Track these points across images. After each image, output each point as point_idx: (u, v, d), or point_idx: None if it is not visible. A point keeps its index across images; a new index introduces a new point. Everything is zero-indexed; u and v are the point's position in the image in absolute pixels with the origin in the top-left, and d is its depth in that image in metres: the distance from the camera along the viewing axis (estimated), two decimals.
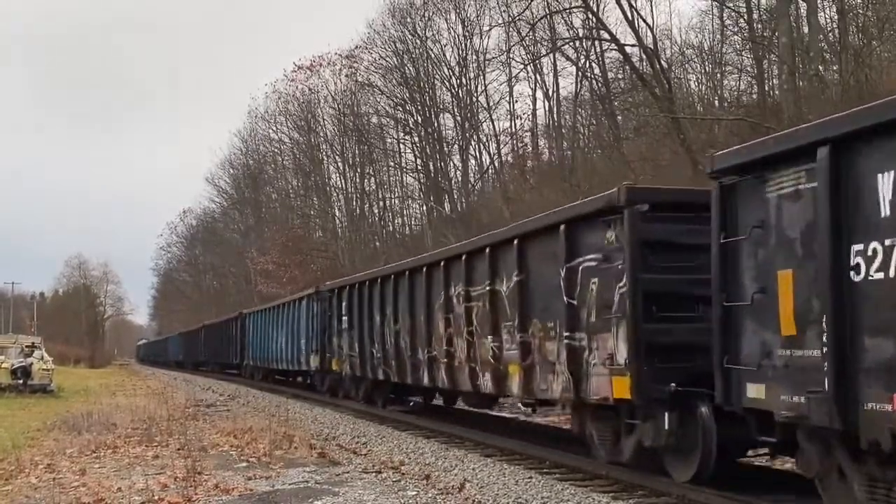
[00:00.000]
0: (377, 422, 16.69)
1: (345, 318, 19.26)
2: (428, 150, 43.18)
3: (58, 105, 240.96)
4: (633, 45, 26.62)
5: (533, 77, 38.26)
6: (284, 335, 26.50)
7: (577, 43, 31.58)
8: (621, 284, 8.52)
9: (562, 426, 15.25)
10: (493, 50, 38.79)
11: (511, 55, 36.54)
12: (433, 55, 41.86)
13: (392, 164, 47.67)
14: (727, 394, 7.23)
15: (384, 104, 44.62)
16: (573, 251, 9.48)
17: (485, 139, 41.09)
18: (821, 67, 21.94)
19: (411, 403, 18.26)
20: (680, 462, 8.58)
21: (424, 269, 14.38)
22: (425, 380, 14.53)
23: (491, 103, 40.54)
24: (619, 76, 31.34)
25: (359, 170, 49.83)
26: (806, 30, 23.18)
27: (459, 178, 42.16)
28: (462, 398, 15.07)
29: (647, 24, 28.19)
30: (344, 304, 19.37)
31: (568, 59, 34.03)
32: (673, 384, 8.16)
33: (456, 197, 41.80)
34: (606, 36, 27.92)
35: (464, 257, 12.74)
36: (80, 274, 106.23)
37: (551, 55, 34.25)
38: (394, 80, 43.21)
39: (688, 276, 8.28)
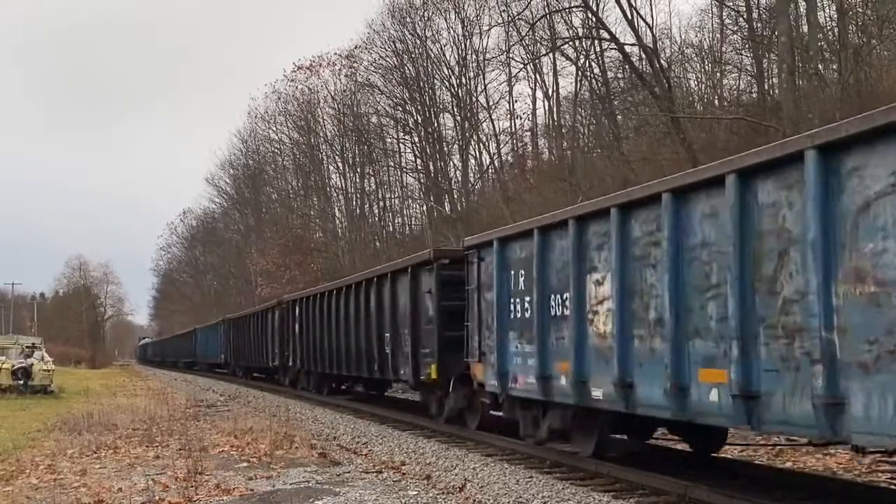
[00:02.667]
0: (377, 421, 16.69)
1: None
2: (428, 150, 43.14)
3: (58, 105, 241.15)
4: (632, 45, 26.61)
5: (532, 77, 38.23)
6: None
7: (577, 42, 31.52)
8: None
9: None
10: (492, 49, 38.70)
11: (511, 55, 36.48)
12: (433, 55, 41.80)
13: (392, 164, 47.60)
14: None
15: (384, 104, 44.55)
16: None
17: (485, 139, 41.00)
18: (820, 66, 21.95)
19: None
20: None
21: None
22: None
23: (491, 103, 40.48)
24: (619, 76, 31.29)
25: (359, 170, 49.80)
26: (805, 29, 23.19)
27: (459, 178, 42.09)
28: None
29: (646, 23, 28.16)
30: None
31: (567, 58, 34.00)
32: None
33: (456, 197, 41.73)
34: (606, 35, 27.87)
35: None
36: (81, 275, 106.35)
37: (551, 55, 34.20)
38: (393, 80, 43.14)
39: None
